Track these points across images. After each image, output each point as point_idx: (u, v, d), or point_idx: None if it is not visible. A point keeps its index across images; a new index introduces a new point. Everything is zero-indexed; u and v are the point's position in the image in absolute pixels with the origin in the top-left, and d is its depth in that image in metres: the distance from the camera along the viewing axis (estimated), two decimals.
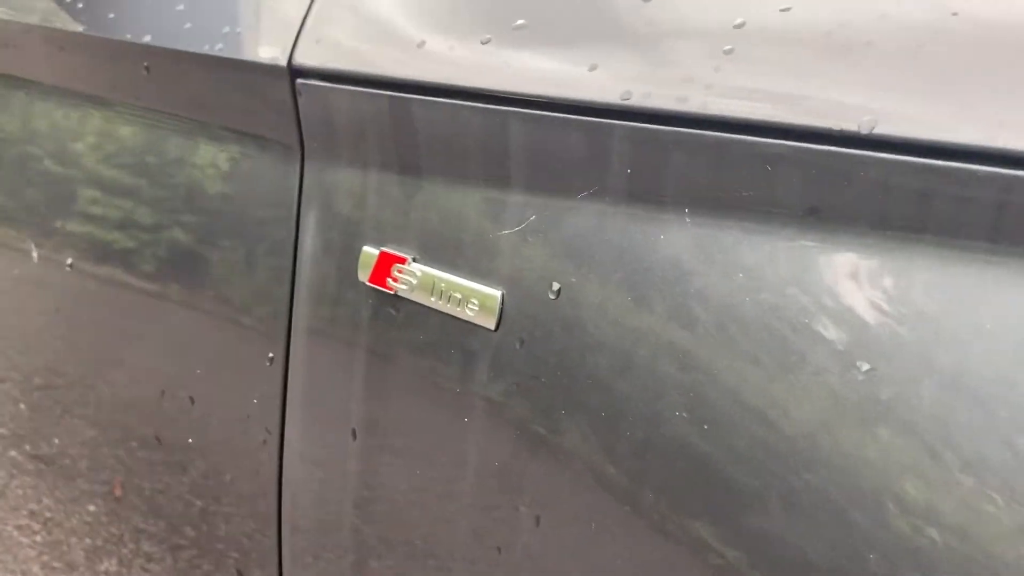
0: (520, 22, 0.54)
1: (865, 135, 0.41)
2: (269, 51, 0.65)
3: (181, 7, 0.72)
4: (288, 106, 0.65)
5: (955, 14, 0.42)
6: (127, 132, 0.81)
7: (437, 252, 0.58)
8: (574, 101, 0.50)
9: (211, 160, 0.74)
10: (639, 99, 0.48)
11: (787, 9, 0.46)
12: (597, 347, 0.50)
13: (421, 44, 0.58)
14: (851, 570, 0.40)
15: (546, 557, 0.54)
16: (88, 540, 0.98)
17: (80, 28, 0.79)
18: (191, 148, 0.75)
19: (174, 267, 0.78)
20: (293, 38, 0.64)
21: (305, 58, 0.63)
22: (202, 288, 0.75)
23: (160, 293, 0.79)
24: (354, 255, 0.63)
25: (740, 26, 0.47)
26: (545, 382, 0.53)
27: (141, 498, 0.87)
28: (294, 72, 0.64)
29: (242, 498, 0.76)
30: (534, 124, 0.52)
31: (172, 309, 0.78)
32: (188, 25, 0.72)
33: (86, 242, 0.85)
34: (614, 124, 0.48)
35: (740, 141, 0.45)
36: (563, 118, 0.51)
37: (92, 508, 0.95)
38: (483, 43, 0.55)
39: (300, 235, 0.67)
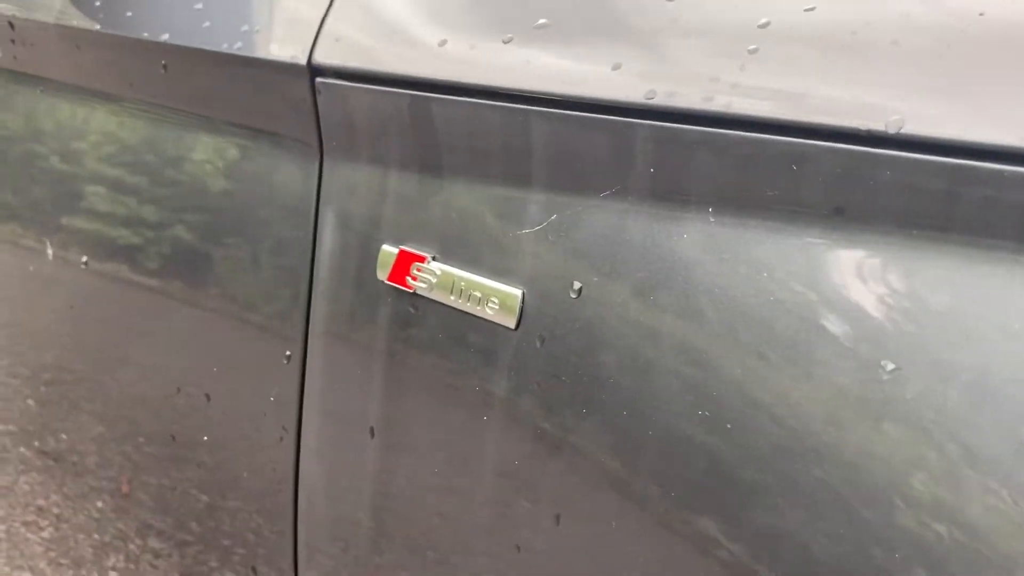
0: (542, 21, 0.54)
1: (892, 135, 0.41)
2: (288, 50, 0.65)
3: (199, 6, 0.73)
4: (307, 105, 0.65)
5: (981, 14, 0.42)
6: (143, 130, 0.81)
7: (457, 251, 0.58)
8: (597, 100, 0.50)
9: (228, 158, 0.74)
10: (663, 98, 0.48)
11: (812, 9, 0.46)
12: (618, 347, 0.50)
13: (442, 43, 0.58)
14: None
15: (566, 556, 0.54)
16: (96, 536, 0.98)
17: (97, 26, 0.79)
18: (208, 146, 0.75)
19: (190, 265, 0.78)
20: (313, 37, 0.64)
21: (325, 57, 0.63)
22: (219, 286, 0.75)
23: (176, 291, 0.79)
24: (373, 253, 0.63)
25: (765, 25, 0.47)
26: (565, 381, 0.53)
27: (152, 494, 0.88)
28: (314, 71, 0.64)
29: (258, 495, 0.76)
30: (556, 123, 0.52)
31: (188, 307, 0.78)
32: (206, 23, 0.72)
33: (101, 240, 0.85)
34: (638, 123, 0.49)
35: (765, 140, 0.45)
36: (586, 117, 0.51)
37: (100, 504, 0.96)
38: (505, 42, 0.55)
39: (318, 233, 0.67)
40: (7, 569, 1.15)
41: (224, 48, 0.69)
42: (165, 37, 0.73)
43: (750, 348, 0.45)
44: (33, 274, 0.94)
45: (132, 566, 0.94)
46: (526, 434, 0.56)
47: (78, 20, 0.81)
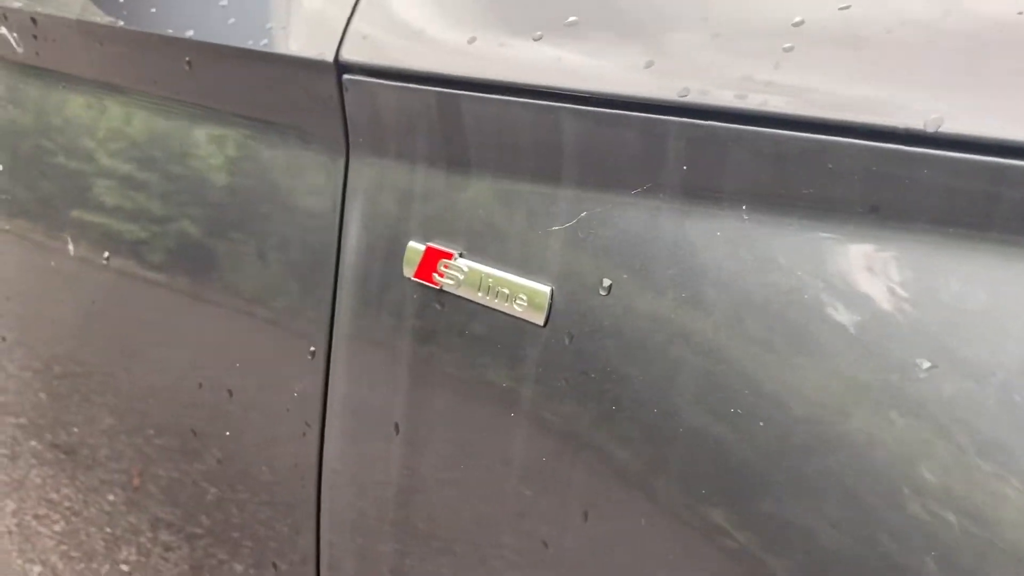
0: (572, 19, 0.54)
1: (931, 133, 0.41)
2: (315, 46, 0.65)
3: (224, 2, 0.73)
4: (334, 101, 0.65)
5: (1020, 13, 0.42)
6: (165, 127, 0.82)
7: (485, 247, 0.59)
8: (629, 98, 0.50)
9: (252, 155, 0.74)
10: (697, 96, 0.48)
11: (847, 7, 0.46)
12: (649, 345, 0.50)
13: (471, 40, 0.58)
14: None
15: (593, 552, 0.55)
16: (108, 529, 0.98)
17: (121, 22, 0.80)
18: (231, 143, 0.76)
19: (213, 261, 0.78)
20: (340, 33, 0.64)
21: (352, 54, 0.63)
22: (242, 282, 0.76)
23: (199, 287, 0.80)
24: (399, 250, 0.63)
25: (799, 24, 0.47)
26: (594, 378, 0.53)
27: (166, 488, 0.88)
28: (341, 68, 0.64)
29: (280, 490, 0.76)
30: (587, 121, 0.52)
31: (211, 303, 0.79)
32: (232, 20, 0.72)
33: (123, 236, 0.85)
34: (670, 121, 0.49)
35: (800, 139, 0.45)
36: (617, 114, 0.51)
37: (112, 497, 0.96)
38: (535, 39, 0.55)
39: (344, 229, 0.67)
40: (19, 562, 1.16)
41: (250, 45, 0.69)
42: (190, 34, 0.74)
43: (784, 346, 0.45)
44: (54, 269, 0.94)
45: (143, 559, 0.95)
46: (554, 431, 0.56)
47: (101, 16, 0.82)
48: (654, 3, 0.53)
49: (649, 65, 0.50)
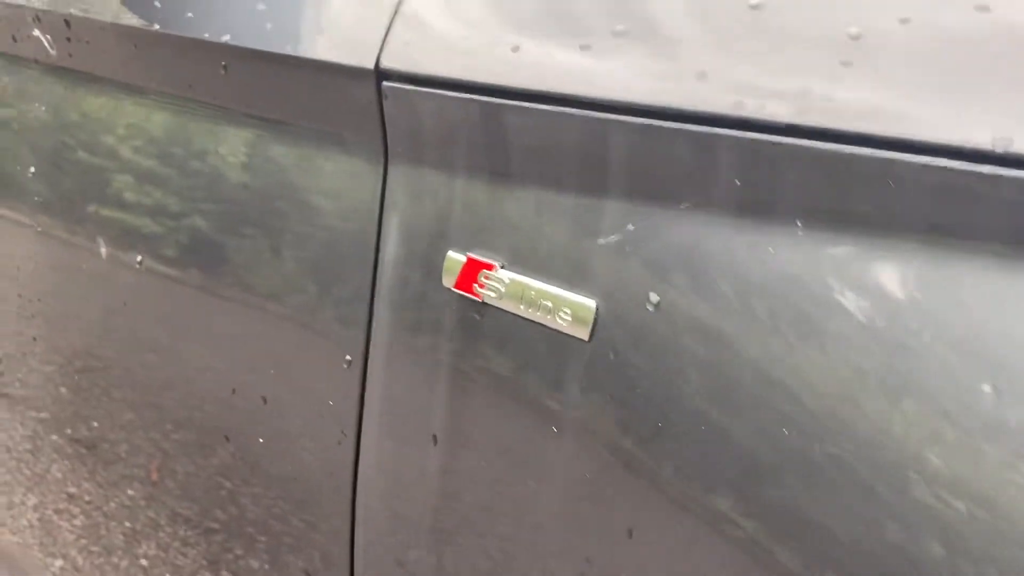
0: (620, 28, 0.53)
1: (1000, 153, 0.40)
2: (355, 53, 0.64)
3: (262, 7, 0.72)
4: (373, 108, 0.65)
5: None
6: (199, 131, 0.81)
7: (528, 259, 0.58)
8: (681, 110, 0.49)
9: (289, 161, 0.74)
10: (752, 110, 0.47)
11: (907, 20, 0.45)
12: (696, 362, 0.49)
13: (516, 48, 0.57)
14: None
15: (638, 570, 0.54)
16: (128, 524, 0.99)
17: (156, 26, 0.79)
18: (269, 149, 0.75)
19: (249, 267, 0.78)
20: (380, 40, 0.63)
21: (392, 61, 0.63)
22: (277, 288, 0.75)
23: (234, 294, 0.79)
24: (438, 259, 0.62)
25: (857, 37, 0.46)
26: (640, 394, 0.52)
27: (196, 492, 0.88)
28: (381, 75, 0.63)
29: (315, 498, 0.76)
30: (636, 133, 0.51)
31: (246, 309, 0.78)
32: (269, 25, 0.71)
33: (156, 240, 0.85)
34: (723, 134, 0.48)
35: (859, 155, 0.44)
36: (668, 127, 0.50)
37: (131, 492, 0.96)
38: (582, 48, 0.54)
39: (382, 237, 0.66)
40: (40, 556, 1.16)
41: (288, 50, 0.69)
42: (226, 38, 0.73)
43: (839, 364, 0.44)
44: (86, 271, 0.94)
45: (163, 554, 0.95)
46: (598, 446, 0.55)
47: (136, 19, 0.81)
48: (707, 12, 0.51)
49: (702, 76, 0.49)
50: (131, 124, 0.88)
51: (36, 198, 1.00)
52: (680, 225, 0.51)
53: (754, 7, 0.49)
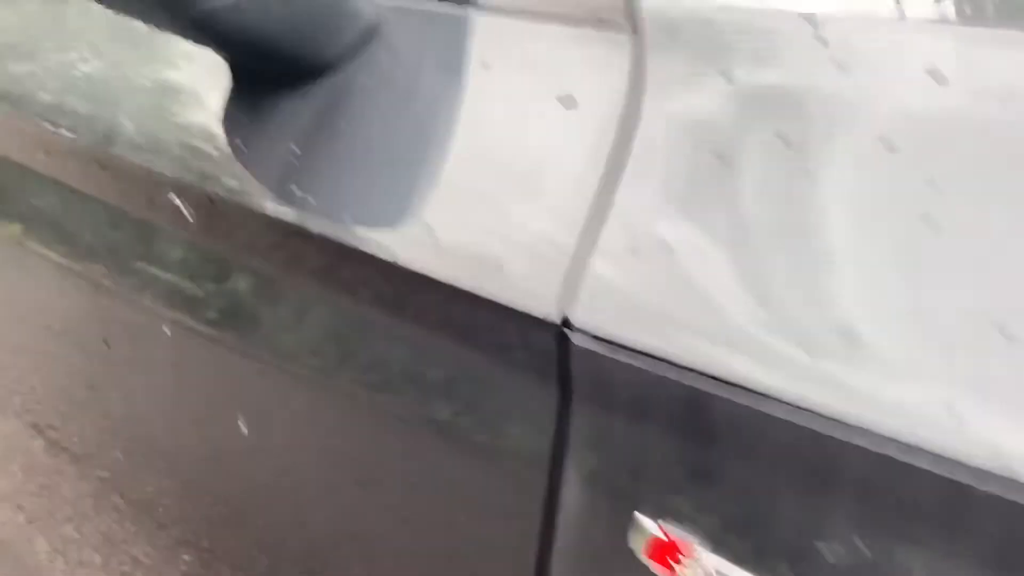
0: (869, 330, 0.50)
1: None
2: (538, 301, 0.62)
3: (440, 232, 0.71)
4: (552, 359, 0.63)
5: None
6: (339, 324, 0.80)
7: (737, 548, 0.56)
8: (940, 451, 0.46)
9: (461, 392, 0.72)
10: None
11: None
12: None
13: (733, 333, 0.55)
14: None
15: None
16: None
17: (312, 227, 0.79)
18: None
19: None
20: (568, 287, 0.61)
21: (580, 316, 0.61)
22: (439, 532, 0.74)
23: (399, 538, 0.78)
24: (624, 520, 0.61)
25: None
26: None
27: None
28: (565, 327, 0.61)
29: None
30: (876, 463, 0.49)
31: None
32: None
33: None
34: (985, 492, 0.45)
35: None
36: (919, 468, 0.47)
37: None
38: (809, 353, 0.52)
39: (561, 484, 0.65)
40: None
41: (464, 285, 0.67)
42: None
43: None
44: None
45: None
46: None
47: (286, 214, 0.81)
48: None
49: (959, 421, 0.46)
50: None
51: None
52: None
53: None
